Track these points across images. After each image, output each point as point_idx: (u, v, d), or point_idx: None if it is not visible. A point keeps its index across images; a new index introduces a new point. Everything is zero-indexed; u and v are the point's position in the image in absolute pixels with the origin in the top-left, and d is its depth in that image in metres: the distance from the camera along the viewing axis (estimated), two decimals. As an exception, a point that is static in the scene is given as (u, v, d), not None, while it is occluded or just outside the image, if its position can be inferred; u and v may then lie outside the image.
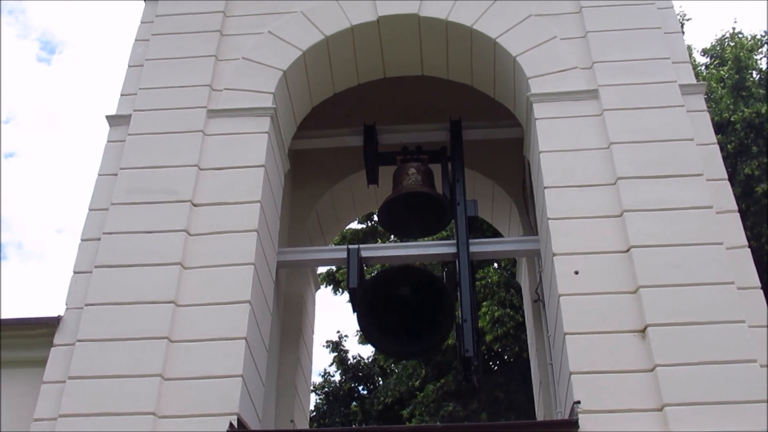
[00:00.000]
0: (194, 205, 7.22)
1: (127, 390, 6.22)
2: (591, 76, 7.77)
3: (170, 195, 7.26)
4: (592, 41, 7.98)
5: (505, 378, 17.90)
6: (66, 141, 48.61)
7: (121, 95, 8.20)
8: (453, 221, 8.73)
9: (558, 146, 7.36)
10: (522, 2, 8.34)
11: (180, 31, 8.45)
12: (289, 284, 9.31)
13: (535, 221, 8.46)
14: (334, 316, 35.16)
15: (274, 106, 7.88)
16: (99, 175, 7.64)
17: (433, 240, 12.60)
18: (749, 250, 6.83)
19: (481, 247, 8.52)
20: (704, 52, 20.92)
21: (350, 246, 8.42)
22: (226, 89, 8.00)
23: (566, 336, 6.29)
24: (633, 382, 6.02)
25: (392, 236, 17.45)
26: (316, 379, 23.63)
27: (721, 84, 18.68)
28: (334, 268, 20.95)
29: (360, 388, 23.43)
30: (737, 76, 18.42)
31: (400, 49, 8.66)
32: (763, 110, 17.19)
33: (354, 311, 8.66)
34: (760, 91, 18.46)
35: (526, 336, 15.45)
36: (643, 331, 6.22)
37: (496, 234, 11.72)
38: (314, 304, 10.40)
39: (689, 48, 19.67)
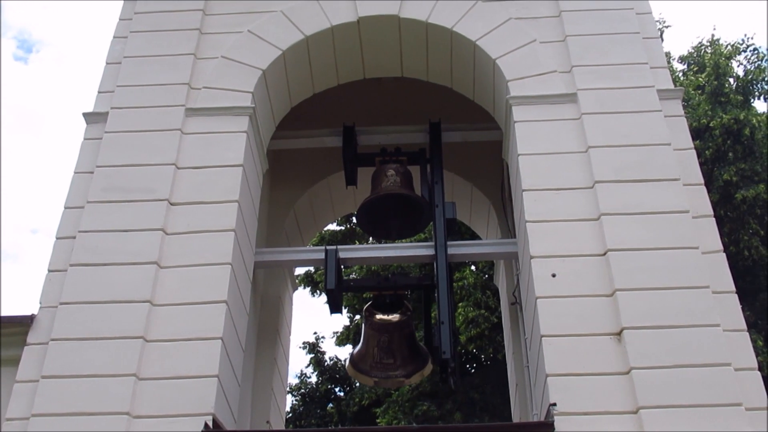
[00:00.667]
0: (171, 204, 7.17)
1: (101, 390, 6.15)
2: (570, 79, 7.80)
3: (147, 194, 7.21)
4: (572, 45, 8.01)
5: (481, 380, 17.97)
6: (42, 140, 48.26)
7: (99, 92, 8.11)
8: (431, 223, 8.73)
9: (536, 149, 7.37)
10: (502, 5, 8.36)
11: (159, 28, 8.39)
12: (266, 285, 9.28)
13: (513, 224, 8.48)
14: (311, 317, 35.13)
15: (253, 105, 7.85)
16: (75, 172, 7.56)
17: (411, 242, 12.62)
18: (725, 254, 6.88)
19: (459, 249, 8.53)
20: (682, 59, 21.10)
21: (328, 247, 8.40)
22: (204, 88, 7.96)
23: (543, 338, 6.31)
24: (608, 384, 6.04)
25: (370, 238, 17.46)
26: (293, 380, 23.63)
27: (699, 91, 18.85)
28: (312, 269, 20.95)
29: (336, 389, 23.43)
30: (715, 83, 18.60)
31: (380, 50, 8.65)
32: (741, 116, 17.36)
33: (332, 312, 8.67)
34: (738, 97, 18.65)
35: (500, 338, 15.54)
36: (619, 334, 6.24)
37: (474, 236, 11.74)
38: (291, 305, 10.38)
39: (668, 55, 19.84)
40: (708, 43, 20.70)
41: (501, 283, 9.82)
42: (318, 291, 21.05)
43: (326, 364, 23.51)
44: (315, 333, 24.27)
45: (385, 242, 11.01)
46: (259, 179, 8.22)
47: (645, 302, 6.35)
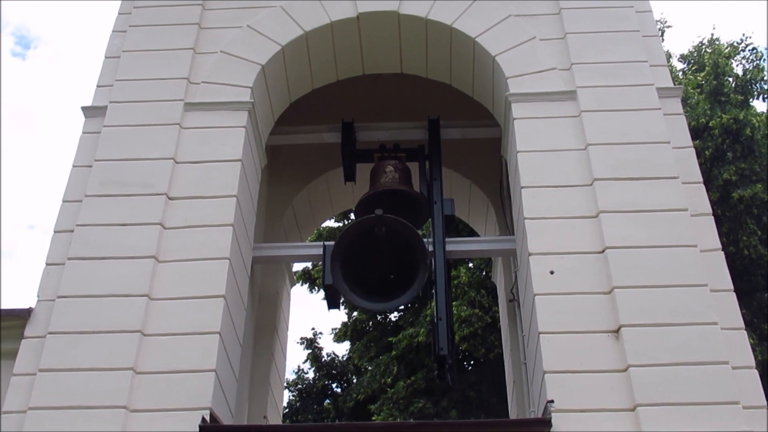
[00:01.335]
0: (169, 199, 7.17)
1: (98, 383, 6.16)
2: (569, 77, 7.80)
3: (145, 188, 7.20)
4: (571, 43, 8.01)
5: (477, 377, 17.96)
6: (39, 137, 48.13)
7: (98, 86, 8.11)
8: (429, 220, 8.72)
9: (535, 146, 7.37)
10: (502, 2, 8.35)
11: (158, 23, 8.38)
12: (264, 280, 9.28)
13: (511, 221, 8.48)
14: (309, 313, 35.12)
15: (252, 100, 7.84)
16: (73, 166, 7.55)
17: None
18: (723, 252, 6.89)
19: (457, 246, 8.53)
20: (682, 58, 21.10)
21: (326, 243, 8.39)
22: (203, 82, 7.95)
23: (540, 335, 6.31)
24: (606, 381, 6.05)
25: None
26: (290, 376, 23.63)
27: (698, 90, 18.84)
28: (310, 266, 20.93)
29: (334, 385, 23.44)
30: (715, 82, 18.59)
31: (380, 46, 8.64)
32: (741, 116, 17.36)
33: (329, 308, 8.65)
34: (738, 97, 18.64)
35: (494, 337, 15.53)
36: (617, 331, 6.25)
37: (473, 233, 11.74)
38: (289, 301, 10.38)
39: (668, 54, 19.83)
40: (708, 43, 20.70)
41: (499, 280, 9.82)
42: (316, 287, 21.04)
43: (324, 360, 23.51)
44: (313, 329, 24.30)
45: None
46: (257, 174, 8.22)
47: (643, 300, 6.35)
